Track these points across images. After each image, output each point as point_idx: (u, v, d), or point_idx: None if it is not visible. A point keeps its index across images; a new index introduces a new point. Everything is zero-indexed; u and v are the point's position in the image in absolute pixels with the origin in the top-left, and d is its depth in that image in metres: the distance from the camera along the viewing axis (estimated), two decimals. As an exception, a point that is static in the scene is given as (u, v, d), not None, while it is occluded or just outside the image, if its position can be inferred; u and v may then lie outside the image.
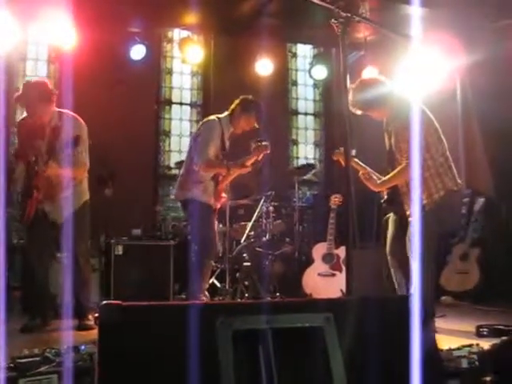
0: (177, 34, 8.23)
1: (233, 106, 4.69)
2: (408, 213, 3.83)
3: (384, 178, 3.95)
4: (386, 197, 4.09)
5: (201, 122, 4.71)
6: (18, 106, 5.32)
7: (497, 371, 2.03)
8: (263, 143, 4.54)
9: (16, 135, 5.11)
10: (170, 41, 8.37)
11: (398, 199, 3.96)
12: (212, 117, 4.64)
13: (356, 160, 3.95)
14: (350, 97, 3.81)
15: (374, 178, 3.99)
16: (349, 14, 2.32)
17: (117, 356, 1.25)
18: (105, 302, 1.32)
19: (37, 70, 7.63)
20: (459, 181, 3.95)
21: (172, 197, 7.90)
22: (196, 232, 4.48)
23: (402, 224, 3.92)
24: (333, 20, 2.35)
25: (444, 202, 3.81)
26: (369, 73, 7.36)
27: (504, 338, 2.70)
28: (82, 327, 4.11)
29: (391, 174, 3.90)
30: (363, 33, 6.71)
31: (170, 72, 8.37)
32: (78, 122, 4.26)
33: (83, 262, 4.36)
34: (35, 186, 4.12)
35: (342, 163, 3.72)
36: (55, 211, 4.17)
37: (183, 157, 8.01)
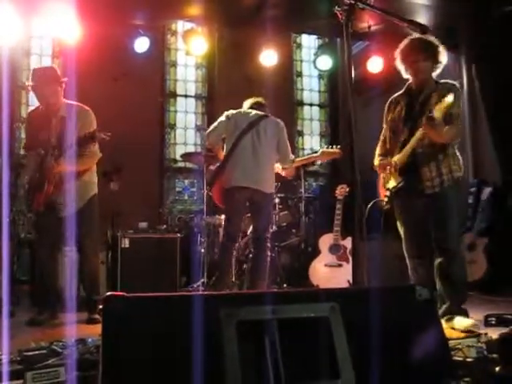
0: (180, 26, 8.21)
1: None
2: (428, 184, 3.66)
3: (448, 127, 3.62)
4: (398, 182, 3.77)
5: (275, 121, 4.71)
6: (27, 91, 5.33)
7: (505, 360, 2.01)
8: (336, 148, 4.98)
9: (24, 128, 5.12)
10: (174, 33, 8.35)
11: (414, 179, 3.72)
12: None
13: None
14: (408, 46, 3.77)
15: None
16: (353, 1, 2.30)
17: (120, 347, 1.25)
18: (108, 293, 1.31)
19: (41, 65, 7.62)
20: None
21: (178, 189, 7.95)
22: (269, 224, 4.74)
23: (418, 207, 3.77)
24: (336, 8, 2.32)
25: (460, 183, 3.77)
26: (374, 63, 7.34)
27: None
28: (90, 320, 4.12)
29: (451, 128, 3.62)
30: (367, 22, 6.65)
31: (174, 64, 8.35)
32: (85, 112, 4.27)
33: (92, 256, 4.37)
34: (47, 180, 4.13)
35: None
36: (64, 204, 4.17)
37: (188, 149, 8.06)
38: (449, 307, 3.61)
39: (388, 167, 3.77)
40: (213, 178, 4.72)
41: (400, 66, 3.86)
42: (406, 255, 3.90)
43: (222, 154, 4.68)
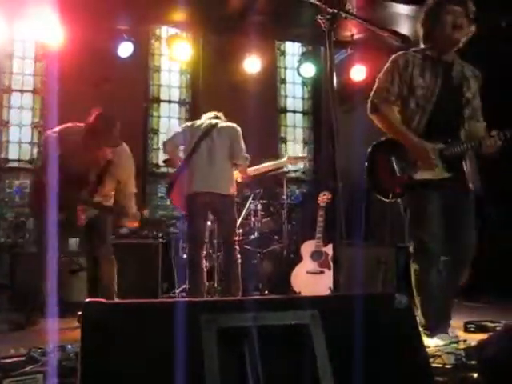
0: (165, 31, 8.20)
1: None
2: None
3: None
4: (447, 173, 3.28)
5: (228, 125, 4.77)
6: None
7: (483, 367, 2.03)
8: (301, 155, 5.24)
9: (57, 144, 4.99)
10: (158, 38, 8.34)
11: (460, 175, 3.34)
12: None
13: None
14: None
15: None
16: (335, 10, 2.32)
17: (99, 355, 1.24)
18: (87, 299, 1.30)
19: (24, 68, 7.57)
20: None
21: (161, 195, 7.92)
22: (234, 227, 4.72)
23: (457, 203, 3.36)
24: (319, 16, 2.34)
25: None
26: (357, 71, 7.40)
27: (490, 333, 2.71)
28: None
29: None
30: (350, 30, 6.71)
31: (158, 70, 8.34)
32: (127, 155, 4.48)
33: (105, 264, 4.47)
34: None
35: None
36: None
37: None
38: None
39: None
40: (171, 184, 4.83)
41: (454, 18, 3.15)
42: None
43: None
